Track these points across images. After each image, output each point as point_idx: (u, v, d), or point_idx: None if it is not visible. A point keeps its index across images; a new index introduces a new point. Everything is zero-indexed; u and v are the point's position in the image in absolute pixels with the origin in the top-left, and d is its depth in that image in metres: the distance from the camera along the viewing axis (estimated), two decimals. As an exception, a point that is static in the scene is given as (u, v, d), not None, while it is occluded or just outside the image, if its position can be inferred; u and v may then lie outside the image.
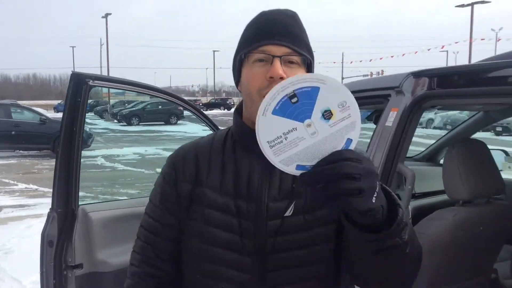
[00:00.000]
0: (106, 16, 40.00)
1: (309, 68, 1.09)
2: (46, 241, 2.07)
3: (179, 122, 32.30)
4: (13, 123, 13.85)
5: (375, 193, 0.80)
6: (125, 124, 31.15)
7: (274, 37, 1.05)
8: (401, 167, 1.82)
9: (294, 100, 0.81)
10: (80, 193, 7.12)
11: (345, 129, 0.82)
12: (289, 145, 0.81)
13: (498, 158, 3.35)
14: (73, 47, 72.20)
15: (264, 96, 0.86)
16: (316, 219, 1.06)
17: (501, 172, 2.86)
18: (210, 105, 45.15)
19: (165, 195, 1.15)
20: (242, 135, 1.12)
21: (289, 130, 0.81)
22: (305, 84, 0.80)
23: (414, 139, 1.95)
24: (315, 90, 0.81)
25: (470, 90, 1.65)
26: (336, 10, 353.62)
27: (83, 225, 2.09)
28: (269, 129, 0.82)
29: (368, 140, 1.97)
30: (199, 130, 23.55)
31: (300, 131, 0.81)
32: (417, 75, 1.77)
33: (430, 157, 3.50)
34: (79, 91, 1.97)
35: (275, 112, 0.81)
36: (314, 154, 0.81)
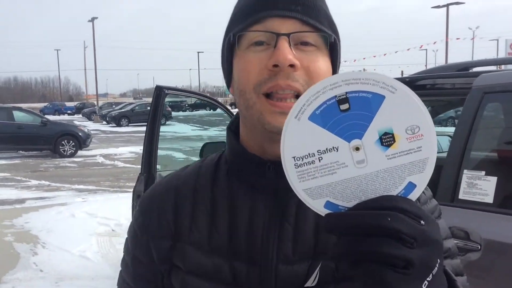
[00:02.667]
0: (92, 20, 40.56)
1: (332, 52, 0.73)
2: (135, 195, 3.07)
3: (167, 122, 33.17)
4: (16, 125, 14.62)
5: (430, 275, 0.50)
6: (115, 125, 31.91)
7: (278, 5, 0.69)
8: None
9: (345, 106, 0.53)
10: (90, 187, 8.47)
11: (409, 167, 0.54)
12: (322, 170, 0.55)
13: (444, 141, 4.44)
14: (57, 50, 72.31)
15: (264, 95, 0.67)
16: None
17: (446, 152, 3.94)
18: (195, 106, 45.90)
19: (137, 255, 0.81)
20: (240, 163, 0.77)
21: (327, 149, 0.54)
22: (366, 87, 0.53)
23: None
24: (378, 99, 0.53)
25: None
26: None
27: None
28: (300, 140, 0.55)
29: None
30: (188, 130, 24.51)
31: (342, 153, 0.54)
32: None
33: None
34: (160, 98, 2.97)
35: (313, 117, 0.54)
36: (356, 192, 0.55)
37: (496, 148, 2.18)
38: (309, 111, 0.54)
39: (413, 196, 0.55)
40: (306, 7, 0.69)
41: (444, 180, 2.05)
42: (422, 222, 0.51)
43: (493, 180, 1.86)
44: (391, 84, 0.53)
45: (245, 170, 0.75)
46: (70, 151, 15.16)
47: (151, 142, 3.08)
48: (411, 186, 0.54)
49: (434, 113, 4.27)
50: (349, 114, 0.53)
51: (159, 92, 2.98)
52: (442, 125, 20.56)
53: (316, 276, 0.68)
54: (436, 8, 38.89)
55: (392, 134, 0.53)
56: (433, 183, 2.15)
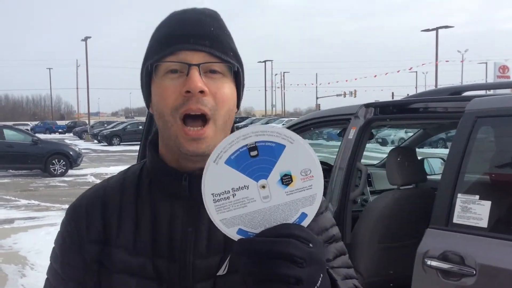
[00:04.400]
0: (85, 39, 40.68)
1: (237, 78, 0.86)
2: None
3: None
4: (6, 144, 14.49)
5: (315, 287, 0.64)
6: (106, 144, 31.75)
7: (189, 40, 0.81)
8: (359, 164, 2.85)
9: (254, 153, 0.67)
10: None
11: (302, 201, 0.69)
12: (235, 204, 0.68)
13: (436, 164, 4.45)
14: (50, 68, 72.30)
15: (180, 118, 0.79)
16: None
17: (439, 174, 3.95)
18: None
19: (66, 261, 0.88)
20: (160, 174, 0.87)
21: (240, 187, 0.67)
22: (271, 138, 0.68)
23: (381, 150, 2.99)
24: (280, 147, 0.67)
25: (398, 115, 2.72)
26: (307, 30, 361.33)
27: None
28: (217, 180, 0.68)
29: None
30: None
31: (252, 191, 0.68)
32: (367, 106, 2.82)
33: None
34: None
35: (229, 162, 0.67)
36: (261, 221, 0.68)
37: (489, 172, 2.19)
38: (225, 156, 0.68)
39: (305, 223, 0.70)
40: (213, 41, 0.83)
41: (439, 204, 2.05)
42: (311, 245, 0.65)
43: (487, 204, 1.87)
44: (290, 136, 0.68)
45: (165, 181, 0.87)
46: (60, 170, 15.01)
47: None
48: (303, 216, 0.70)
49: (426, 136, 4.29)
50: (257, 159, 0.68)
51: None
52: (433, 146, 20.70)
53: (226, 266, 0.84)
54: (426, 31, 39.52)
55: (290, 175, 0.68)
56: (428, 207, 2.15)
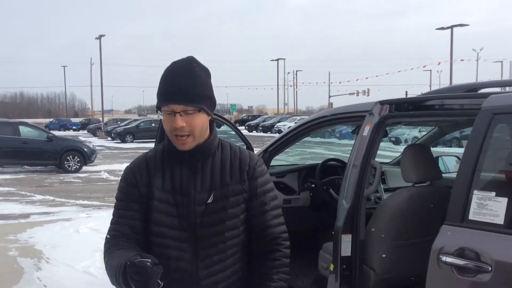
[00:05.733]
0: (100, 37, 40.99)
1: (208, 107, 1.57)
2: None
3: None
4: (22, 140, 14.69)
5: None
6: (120, 141, 31.98)
7: (175, 98, 1.50)
8: (373, 162, 2.84)
9: None
10: (95, 203, 8.43)
11: None
12: None
13: (451, 162, 4.42)
14: (64, 66, 73.03)
15: (175, 136, 1.55)
16: (229, 204, 1.60)
17: (454, 172, 3.92)
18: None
19: (126, 192, 1.64)
20: (174, 152, 1.61)
21: None
22: None
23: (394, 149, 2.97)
24: None
25: (413, 113, 2.71)
26: (322, 30, 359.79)
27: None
28: None
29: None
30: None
31: None
32: (382, 103, 2.81)
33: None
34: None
35: None
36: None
37: (505, 169, 2.17)
38: None
39: None
40: (187, 97, 1.53)
41: (454, 201, 2.04)
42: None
43: (503, 201, 1.86)
44: None
45: (176, 155, 1.63)
46: (75, 167, 15.19)
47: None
48: None
49: (441, 133, 4.26)
50: None
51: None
52: (447, 145, 20.50)
53: (211, 197, 1.61)
54: (441, 30, 39.12)
55: None
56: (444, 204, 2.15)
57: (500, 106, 2.05)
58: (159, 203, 1.60)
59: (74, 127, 56.95)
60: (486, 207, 1.90)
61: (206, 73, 1.60)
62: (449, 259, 1.93)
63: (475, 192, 1.95)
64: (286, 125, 35.89)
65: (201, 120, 1.56)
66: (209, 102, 1.58)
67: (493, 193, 1.90)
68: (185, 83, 1.51)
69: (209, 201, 1.59)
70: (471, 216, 1.94)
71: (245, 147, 2.12)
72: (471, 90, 2.68)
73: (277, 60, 68.00)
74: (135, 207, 1.63)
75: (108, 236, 1.64)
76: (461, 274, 1.89)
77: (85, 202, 9.77)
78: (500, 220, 1.84)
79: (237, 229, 1.65)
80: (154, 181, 1.62)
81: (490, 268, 1.80)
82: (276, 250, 1.67)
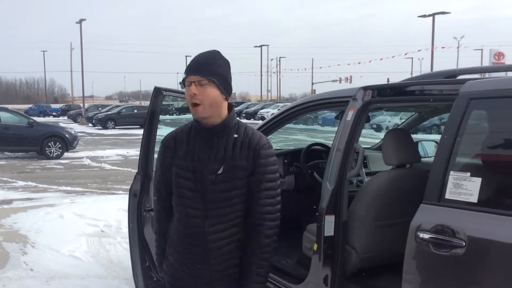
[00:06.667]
0: (80, 21, 40.28)
1: (219, 83, 1.90)
2: (132, 193, 3.12)
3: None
4: (3, 126, 14.49)
5: None
6: (101, 127, 31.70)
7: (192, 71, 1.89)
8: (356, 145, 2.94)
9: None
10: (78, 189, 8.44)
11: None
12: None
13: (430, 147, 4.56)
14: (44, 51, 71.64)
15: (191, 104, 1.91)
16: (235, 176, 1.93)
17: (432, 156, 4.05)
18: (183, 110, 45.69)
19: (161, 161, 2.08)
20: (196, 129, 2.00)
21: None
22: None
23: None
24: None
25: (394, 98, 2.81)
26: (307, 18, 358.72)
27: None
28: None
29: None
30: (175, 134, 24.43)
31: None
32: (365, 88, 2.90)
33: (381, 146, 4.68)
34: (158, 99, 3.03)
35: None
36: None
37: (481, 152, 2.29)
38: None
39: None
40: (202, 70, 1.89)
41: (432, 181, 2.15)
42: None
43: (477, 180, 1.97)
44: None
45: (198, 131, 1.99)
46: (56, 153, 15.06)
47: (148, 143, 3.13)
48: None
49: (420, 119, 4.39)
50: None
51: (157, 93, 3.04)
52: (427, 132, 20.86)
53: (221, 169, 1.92)
54: (423, 17, 39.45)
55: None
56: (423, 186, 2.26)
57: (476, 91, 2.15)
58: (179, 169, 1.97)
59: (54, 113, 56.08)
60: (462, 186, 2.01)
61: (225, 62, 1.97)
62: (426, 236, 2.04)
63: (452, 173, 2.06)
64: (269, 112, 35.96)
65: (213, 92, 1.90)
66: (222, 81, 1.92)
67: (468, 174, 2.01)
68: (203, 61, 1.90)
69: (219, 171, 1.91)
70: (447, 196, 2.05)
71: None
72: (451, 76, 2.79)
73: (261, 46, 67.77)
74: (167, 173, 2.05)
75: (155, 198, 2.19)
76: (437, 250, 2.01)
77: (68, 188, 9.74)
78: (474, 198, 1.96)
79: (239, 198, 1.96)
80: (179, 151, 1.99)
81: (464, 243, 1.91)
82: (259, 230, 1.96)
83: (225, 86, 1.94)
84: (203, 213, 1.96)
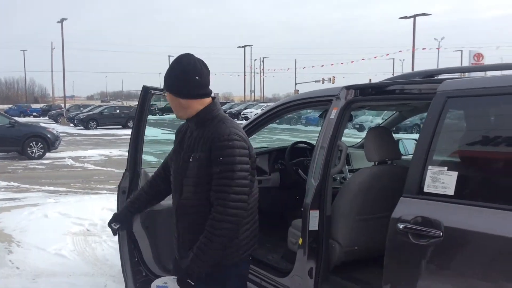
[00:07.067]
0: (61, 21, 39.82)
1: (171, 91, 2.23)
2: (120, 190, 3.17)
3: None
4: (-17, 126, 14.28)
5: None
6: (82, 128, 31.38)
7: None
8: (339, 142, 3.04)
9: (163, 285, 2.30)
10: (61, 189, 8.40)
11: None
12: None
13: (410, 145, 4.70)
14: (24, 50, 70.55)
15: None
16: (201, 164, 2.16)
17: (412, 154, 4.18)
18: (165, 110, 45.52)
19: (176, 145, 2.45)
20: (184, 124, 2.38)
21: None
22: (162, 283, 2.32)
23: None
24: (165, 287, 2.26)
25: (376, 97, 2.92)
26: (288, 19, 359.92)
27: (144, 180, 3.20)
28: None
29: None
30: (158, 134, 24.37)
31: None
32: (348, 88, 3.01)
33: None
34: (146, 98, 3.09)
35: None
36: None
37: (458, 147, 2.40)
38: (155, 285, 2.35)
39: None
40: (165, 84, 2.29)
41: (411, 176, 2.26)
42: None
43: (454, 174, 2.08)
44: (166, 281, 2.37)
45: (190, 124, 2.32)
46: (38, 153, 14.91)
47: (136, 140, 3.19)
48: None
49: (401, 118, 4.53)
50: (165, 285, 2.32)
51: (146, 92, 3.10)
52: (408, 132, 21.19)
53: (191, 158, 2.21)
54: (404, 19, 39.98)
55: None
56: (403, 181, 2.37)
57: (453, 90, 2.27)
58: (171, 156, 2.42)
59: (34, 113, 55.28)
60: (439, 180, 2.12)
61: (172, 69, 2.21)
62: (406, 227, 2.15)
63: (430, 167, 2.17)
64: (253, 112, 36.02)
65: (172, 101, 2.25)
66: (173, 88, 2.22)
67: (445, 168, 2.12)
68: (164, 77, 2.28)
69: (190, 160, 2.19)
70: (426, 189, 2.16)
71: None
72: (430, 76, 2.91)
73: (244, 47, 67.84)
74: (169, 157, 2.48)
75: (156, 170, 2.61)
76: (416, 240, 2.12)
77: (51, 188, 9.68)
78: (450, 191, 2.07)
79: (206, 184, 2.16)
80: (175, 141, 2.40)
81: (441, 234, 2.03)
82: (211, 213, 2.12)
83: (176, 91, 2.21)
84: (178, 192, 2.33)
